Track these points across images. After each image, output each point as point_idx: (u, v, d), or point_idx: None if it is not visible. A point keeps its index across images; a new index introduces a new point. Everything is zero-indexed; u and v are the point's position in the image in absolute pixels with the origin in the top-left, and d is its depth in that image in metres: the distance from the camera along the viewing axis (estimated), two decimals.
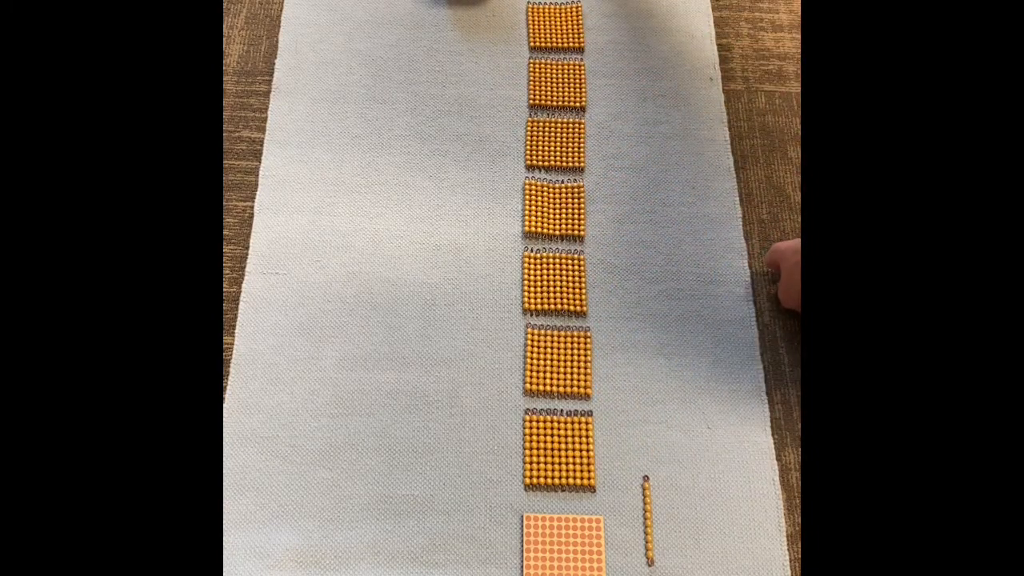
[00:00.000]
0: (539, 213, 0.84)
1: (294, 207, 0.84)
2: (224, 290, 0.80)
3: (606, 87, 0.93)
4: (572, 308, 0.80)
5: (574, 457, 0.73)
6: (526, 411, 0.75)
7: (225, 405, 0.74)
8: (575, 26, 0.97)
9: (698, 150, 0.89)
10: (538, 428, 0.74)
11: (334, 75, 0.93)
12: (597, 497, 0.72)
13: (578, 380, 0.76)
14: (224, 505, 0.70)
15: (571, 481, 0.72)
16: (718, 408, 0.75)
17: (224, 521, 0.70)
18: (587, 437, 0.74)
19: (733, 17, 0.99)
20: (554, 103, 0.92)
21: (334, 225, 0.83)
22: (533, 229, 0.84)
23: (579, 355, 0.77)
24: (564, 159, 0.88)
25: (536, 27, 0.97)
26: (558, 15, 0.97)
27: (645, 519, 0.70)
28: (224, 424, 0.74)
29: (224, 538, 0.69)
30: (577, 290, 0.81)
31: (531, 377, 0.76)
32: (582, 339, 0.78)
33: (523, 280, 0.81)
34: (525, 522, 0.70)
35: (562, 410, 0.75)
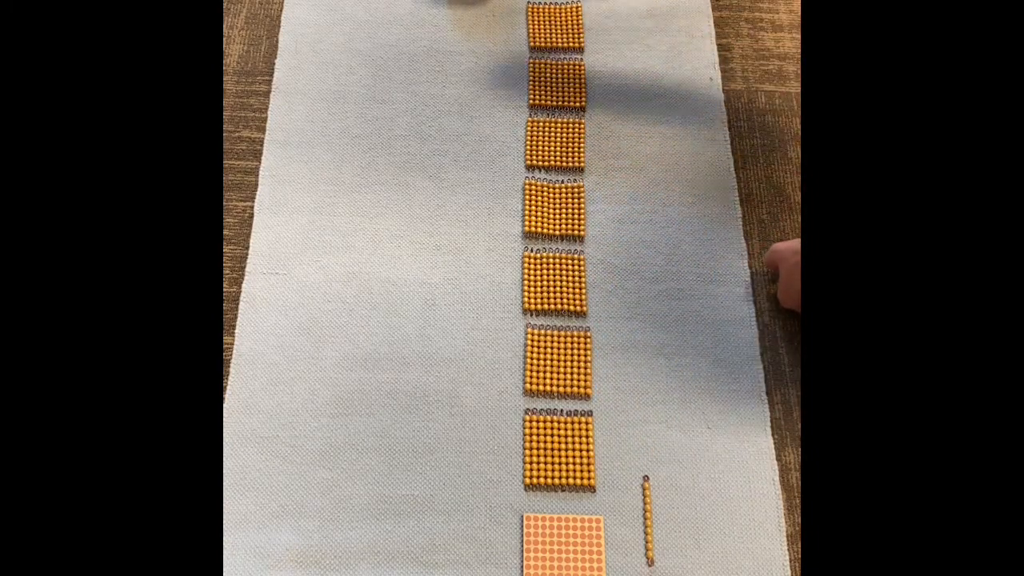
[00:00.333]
0: (539, 213, 0.84)
1: (294, 207, 0.84)
2: (224, 290, 0.80)
3: (606, 87, 0.93)
4: (572, 308, 0.80)
5: (574, 457, 0.73)
6: (526, 411, 0.75)
7: (225, 405, 0.74)
8: (575, 26, 0.97)
9: (698, 150, 0.89)
10: (538, 428, 0.74)
11: (334, 75, 0.93)
12: (597, 497, 0.72)
13: (578, 380, 0.76)
14: (224, 505, 0.70)
15: (571, 481, 0.72)
16: (718, 408, 0.75)
17: (224, 521, 0.70)
18: (587, 437, 0.74)
19: (733, 17, 0.99)
20: (554, 103, 0.92)
21: (334, 225, 0.83)
22: (533, 229, 0.84)
23: (579, 355, 0.77)
24: (564, 159, 0.88)
25: (536, 27, 0.97)
26: (558, 15, 0.97)
27: (645, 519, 0.70)
28: (224, 424, 0.74)
29: (224, 538, 0.69)
30: (577, 290, 0.81)
31: (531, 377, 0.76)
32: (582, 339, 0.78)
33: (523, 280, 0.81)
34: (525, 522, 0.70)
35: (562, 410, 0.75)
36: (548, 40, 0.96)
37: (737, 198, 0.86)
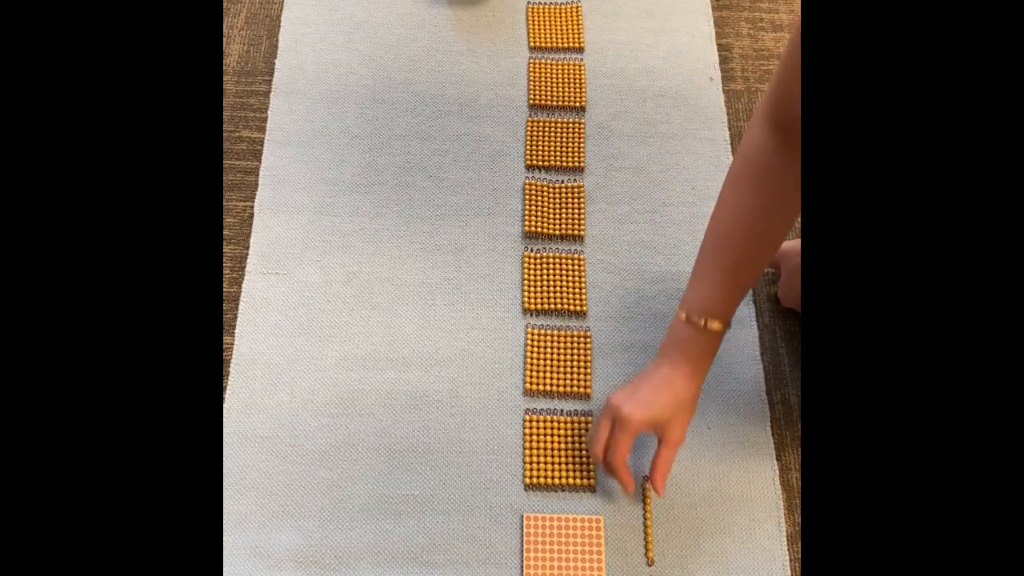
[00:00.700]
0: (539, 213, 0.84)
1: (294, 207, 0.84)
2: (224, 290, 0.80)
3: (606, 87, 0.93)
4: (572, 308, 0.80)
5: (574, 457, 0.73)
6: (526, 411, 0.75)
7: (225, 405, 0.74)
8: (575, 26, 0.97)
9: (698, 150, 0.89)
10: (538, 428, 0.74)
11: (334, 75, 0.93)
12: (597, 497, 0.72)
13: (578, 380, 0.76)
14: (224, 505, 0.70)
15: (571, 481, 0.72)
16: (718, 408, 0.75)
17: (224, 521, 0.70)
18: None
19: (733, 17, 0.99)
20: (554, 103, 0.92)
21: (334, 225, 0.83)
22: (533, 229, 0.84)
23: (579, 355, 0.77)
24: (564, 159, 0.88)
25: (536, 27, 0.97)
26: (558, 15, 0.97)
27: (645, 519, 0.70)
28: (224, 424, 0.74)
29: (224, 538, 0.69)
30: (577, 290, 0.81)
31: (531, 377, 0.76)
32: (582, 339, 0.78)
33: (523, 280, 0.81)
34: (525, 522, 0.70)
35: (562, 410, 0.75)
36: (548, 40, 0.96)
37: None
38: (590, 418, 0.75)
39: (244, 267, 0.81)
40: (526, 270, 0.82)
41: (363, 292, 0.80)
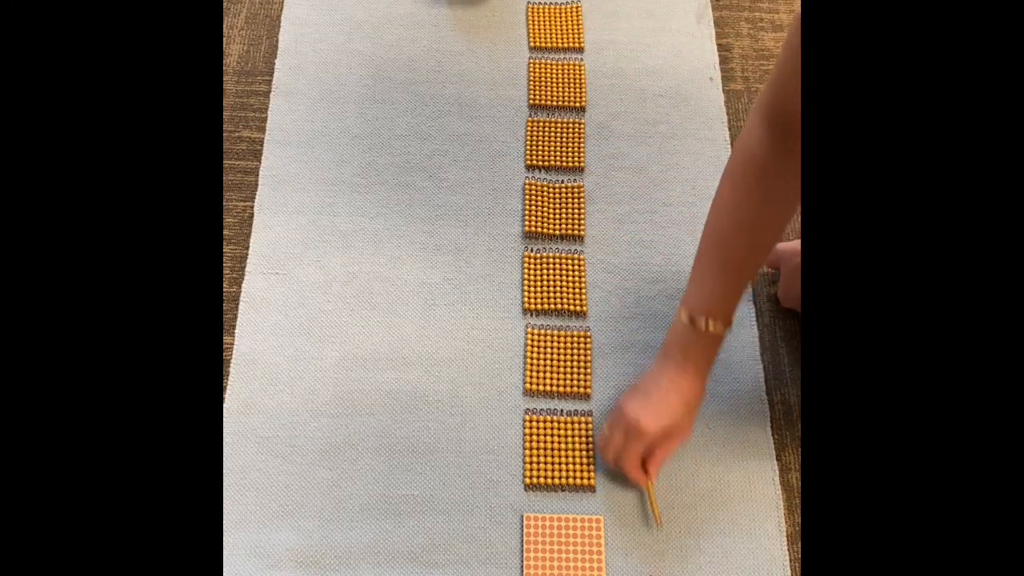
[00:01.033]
0: (539, 213, 0.84)
1: (294, 207, 0.84)
2: (224, 290, 0.80)
3: (606, 87, 0.93)
4: (572, 308, 0.80)
5: (574, 457, 0.73)
6: (526, 411, 0.75)
7: (225, 405, 0.74)
8: (575, 26, 0.97)
9: (698, 150, 0.89)
10: (538, 428, 0.74)
11: (334, 75, 0.93)
12: (597, 497, 0.72)
13: (578, 380, 0.76)
14: (224, 505, 0.70)
15: (571, 481, 0.72)
16: (718, 408, 0.75)
17: (224, 521, 0.70)
18: (587, 437, 0.74)
19: (733, 17, 0.99)
20: (554, 103, 0.92)
21: (334, 225, 0.83)
22: (533, 229, 0.84)
23: (579, 355, 0.77)
24: (564, 159, 0.88)
25: (536, 27, 0.97)
26: (558, 15, 0.97)
27: (647, 493, 0.70)
28: (224, 424, 0.74)
29: (224, 538, 0.69)
30: (577, 290, 0.81)
31: (531, 377, 0.76)
32: (582, 339, 0.78)
33: (523, 280, 0.81)
34: (525, 522, 0.70)
35: (562, 410, 0.75)
36: (548, 40, 0.96)
37: None
38: (590, 418, 0.75)
39: (244, 267, 0.81)
40: (526, 270, 0.82)
41: (363, 292, 0.80)
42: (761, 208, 0.62)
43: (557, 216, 0.85)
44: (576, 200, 0.85)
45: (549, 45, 0.95)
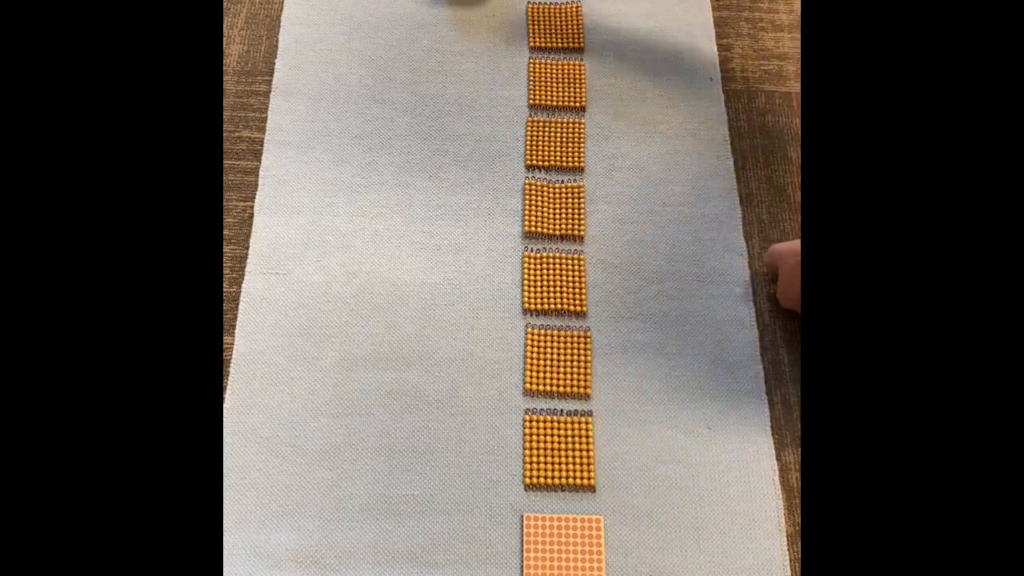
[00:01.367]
0: (539, 213, 0.84)
1: (294, 207, 0.84)
2: (224, 290, 0.80)
3: (606, 87, 0.93)
4: (572, 308, 0.80)
5: (574, 457, 0.73)
6: (526, 411, 0.75)
7: (225, 405, 0.74)
8: (575, 26, 0.97)
9: (698, 150, 0.89)
10: (538, 428, 0.74)
11: (334, 75, 0.93)
12: (597, 497, 0.72)
13: (578, 380, 0.76)
14: (224, 505, 0.70)
15: (571, 481, 0.72)
16: (718, 408, 0.75)
17: (224, 521, 0.70)
18: (587, 437, 0.74)
19: (733, 17, 0.99)
20: (554, 103, 0.92)
21: (334, 225, 0.83)
22: (533, 229, 0.84)
23: (579, 355, 0.77)
24: (564, 159, 0.88)
25: (536, 27, 0.97)
26: (558, 15, 0.97)
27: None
28: (224, 424, 0.74)
29: (224, 538, 0.69)
30: (577, 290, 0.81)
31: (531, 377, 0.76)
32: (582, 339, 0.78)
33: (523, 280, 0.81)
34: (525, 522, 0.70)
35: (562, 410, 0.75)
36: (548, 40, 0.96)
37: (737, 198, 0.86)
38: (590, 418, 0.75)
39: (244, 267, 0.81)
40: (526, 270, 0.82)
41: (363, 292, 0.80)
42: None
43: (557, 216, 0.85)
44: (576, 200, 0.85)
45: (549, 45, 0.95)
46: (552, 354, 0.77)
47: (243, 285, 0.80)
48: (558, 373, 0.77)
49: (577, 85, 0.93)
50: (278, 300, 0.79)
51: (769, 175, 0.88)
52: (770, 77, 0.94)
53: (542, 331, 0.79)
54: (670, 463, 0.73)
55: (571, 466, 0.72)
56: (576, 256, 0.82)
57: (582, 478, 0.72)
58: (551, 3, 0.98)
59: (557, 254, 0.82)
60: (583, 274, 0.82)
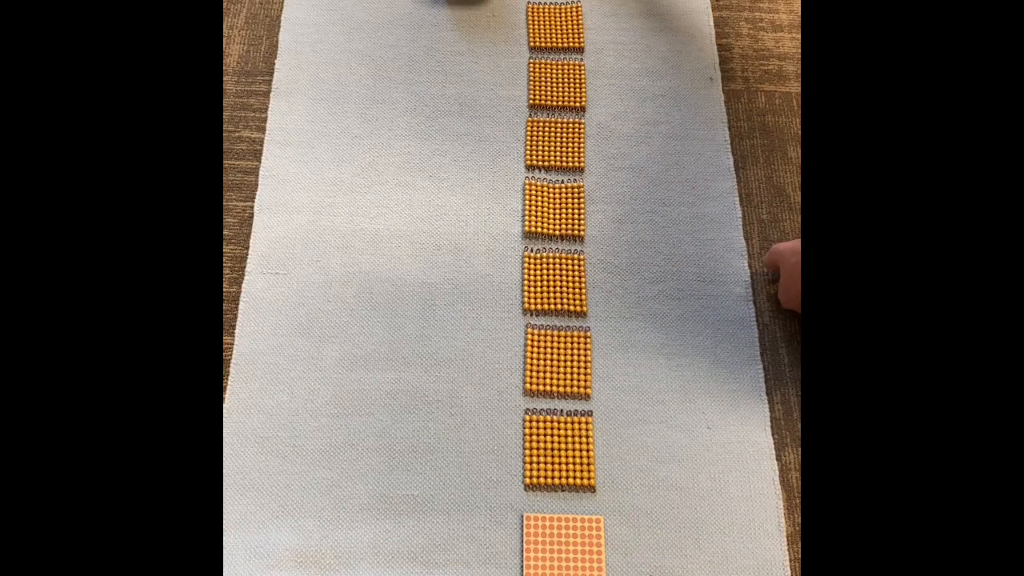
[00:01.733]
0: (539, 213, 0.84)
1: (294, 207, 0.84)
2: (224, 290, 0.80)
3: (606, 87, 0.93)
4: (572, 308, 0.80)
5: (574, 457, 0.73)
6: (526, 411, 0.75)
7: (225, 405, 0.74)
8: (575, 26, 0.97)
9: (698, 150, 0.89)
10: (538, 428, 0.74)
11: (334, 75, 0.93)
12: (597, 497, 0.72)
13: (578, 380, 0.76)
14: (224, 505, 0.70)
15: (571, 481, 0.72)
16: (718, 408, 0.75)
17: (224, 521, 0.70)
18: (587, 437, 0.74)
19: (733, 17, 0.99)
20: (554, 103, 0.92)
21: (334, 225, 0.83)
22: (533, 229, 0.84)
23: (579, 355, 0.77)
24: (564, 159, 0.88)
25: (536, 27, 0.97)
26: (558, 15, 0.97)
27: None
28: (224, 424, 0.74)
29: (224, 538, 0.69)
30: (577, 290, 0.81)
31: (531, 377, 0.76)
32: (582, 339, 0.78)
33: (523, 280, 0.81)
34: (525, 522, 0.70)
35: (562, 410, 0.75)
36: (548, 40, 0.96)
37: (737, 198, 0.86)
38: (590, 418, 0.75)
39: (244, 267, 0.81)
40: (526, 270, 0.82)
41: (363, 292, 0.80)
42: None
43: (557, 216, 0.85)
44: (576, 200, 0.85)
45: (549, 45, 0.95)
46: (552, 354, 0.77)
47: (243, 285, 0.80)
48: (558, 373, 0.77)
49: (577, 85, 0.93)
50: (278, 300, 0.79)
51: (769, 175, 0.88)
52: (770, 77, 0.94)
53: (542, 331, 0.79)
54: (670, 463, 0.73)
55: (571, 466, 0.72)
56: (576, 256, 0.82)
57: (582, 478, 0.72)
58: (551, 3, 0.98)
59: (557, 254, 0.82)
60: (583, 274, 0.82)
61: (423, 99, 0.92)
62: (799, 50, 0.96)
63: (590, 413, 0.75)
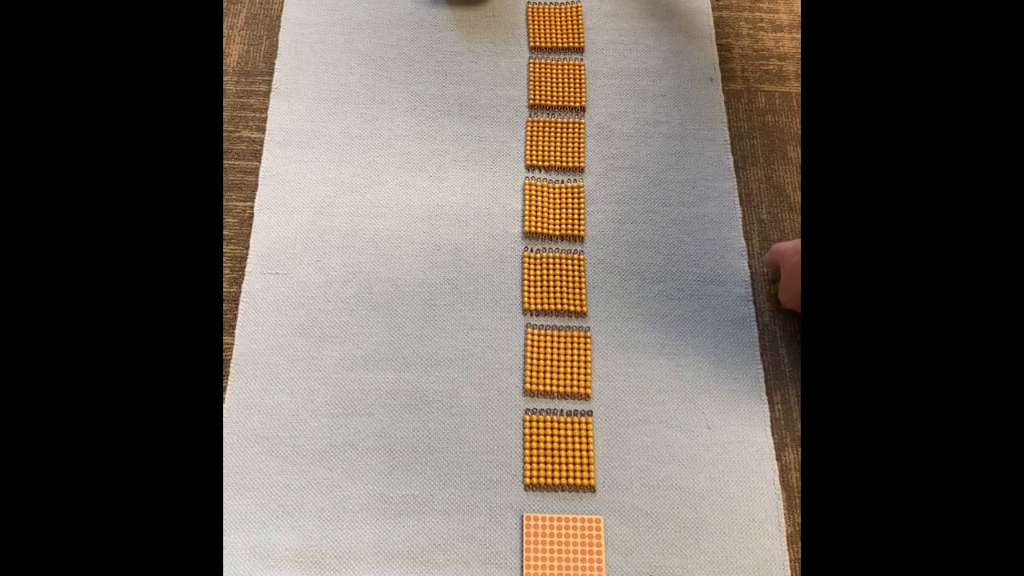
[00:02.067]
0: (539, 213, 0.84)
1: (294, 207, 0.84)
2: (224, 290, 0.80)
3: (606, 87, 0.93)
4: (572, 308, 0.80)
5: (574, 457, 0.73)
6: (526, 411, 0.75)
7: (225, 405, 0.74)
8: (575, 26, 0.97)
9: (698, 150, 0.89)
10: (538, 428, 0.74)
11: (334, 75, 0.93)
12: (597, 497, 0.72)
13: (578, 380, 0.76)
14: (224, 505, 0.70)
15: (571, 481, 0.72)
16: (718, 408, 0.75)
17: (224, 521, 0.70)
18: (587, 437, 0.74)
19: (733, 17, 0.99)
20: (554, 103, 0.92)
21: (334, 225, 0.83)
22: (533, 229, 0.84)
23: (579, 355, 0.77)
24: (564, 159, 0.88)
25: (536, 27, 0.97)
26: (558, 15, 0.97)
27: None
28: (224, 424, 0.74)
29: (224, 538, 0.69)
30: (577, 290, 0.81)
31: (531, 377, 0.76)
32: (582, 339, 0.78)
33: (523, 280, 0.81)
34: (525, 522, 0.70)
35: (562, 410, 0.75)
36: (548, 40, 0.96)
37: (737, 198, 0.86)
38: (590, 418, 0.75)
39: (244, 267, 0.81)
40: (526, 270, 0.82)
41: (363, 292, 0.80)
42: None
43: (557, 216, 0.85)
44: (576, 200, 0.85)
45: (549, 45, 0.95)
46: (552, 354, 0.77)
47: (243, 285, 0.80)
48: (558, 373, 0.77)
49: (577, 85, 0.93)
50: (278, 300, 0.79)
51: (769, 175, 0.88)
52: (770, 77, 0.94)
53: (542, 331, 0.79)
54: (670, 463, 0.73)
55: (571, 466, 0.72)
56: (576, 256, 0.82)
57: (582, 478, 0.72)
58: (551, 3, 0.98)
59: (557, 254, 0.82)
60: (583, 274, 0.82)
61: (423, 99, 0.92)
62: (799, 50, 0.96)
63: (590, 413, 0.75)
